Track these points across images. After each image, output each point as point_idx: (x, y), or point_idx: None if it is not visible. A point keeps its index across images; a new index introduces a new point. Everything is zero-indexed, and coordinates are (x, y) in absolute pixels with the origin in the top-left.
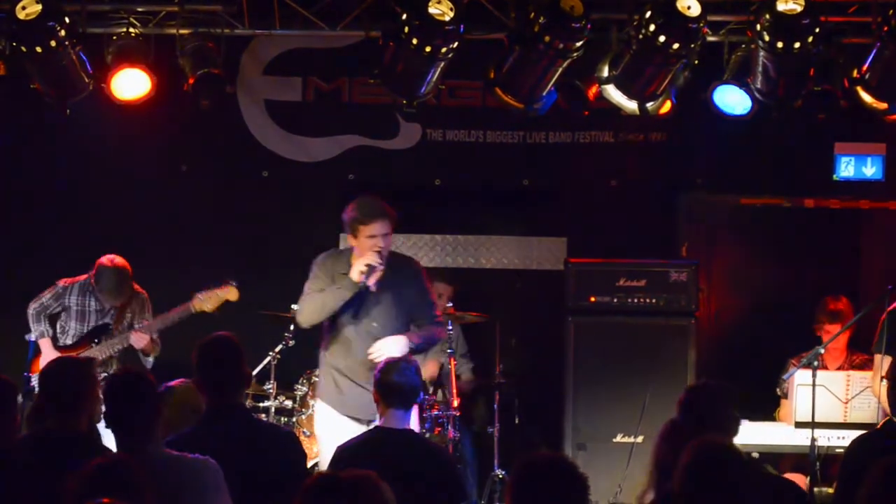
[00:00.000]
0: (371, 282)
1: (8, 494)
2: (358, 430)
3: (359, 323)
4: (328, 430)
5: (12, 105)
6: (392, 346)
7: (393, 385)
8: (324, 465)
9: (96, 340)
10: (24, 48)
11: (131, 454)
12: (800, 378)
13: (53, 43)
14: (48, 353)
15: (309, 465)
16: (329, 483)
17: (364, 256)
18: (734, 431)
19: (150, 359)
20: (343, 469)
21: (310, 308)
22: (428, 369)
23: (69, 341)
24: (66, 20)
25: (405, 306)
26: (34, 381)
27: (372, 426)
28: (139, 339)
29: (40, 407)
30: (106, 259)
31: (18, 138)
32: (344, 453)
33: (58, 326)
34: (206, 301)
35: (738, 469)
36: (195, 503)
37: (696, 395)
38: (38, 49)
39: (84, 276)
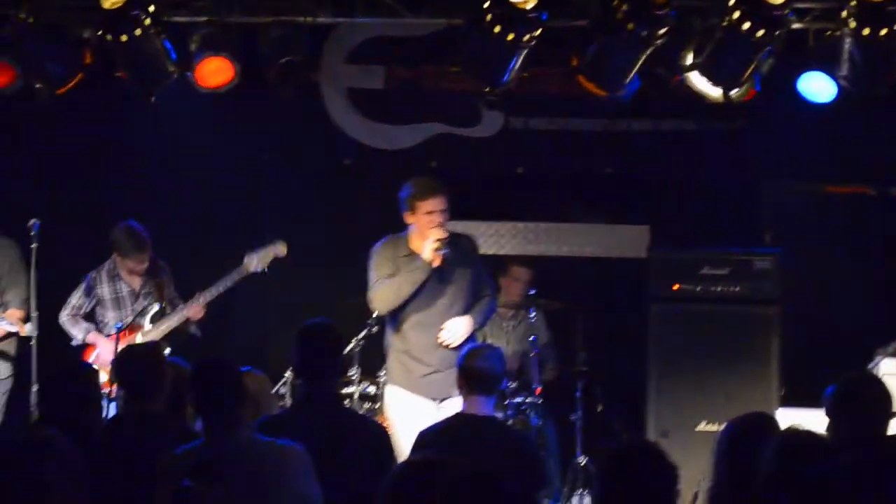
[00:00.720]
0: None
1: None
2: (431, 410)
3: (428, 302)
4: (401, 412)
5: (98, 93)
6: (461, 327)
7: (475, 371)
8: (398, 449)
9: (150, 323)
10: (109, 37)
11: (219, 439)
12: (886, 367)
13: (138, 31)
14: (103, 344)
15: None
16: (423, 466)
17: (430, 233)
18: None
19: (197, 329)
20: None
21: (385, 295)
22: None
23: (112, 332)
24: (151, 8)
25: (470, 282)
26: None
27: (443, 407)
28: (197, 312)
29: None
30: (115, 228)
31: (103, 127)
32: (426, 438)
33: (97, 324)
34: (257, 261)
35: (828, 458)
36: (284, 488)
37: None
38: (124, 38)
39: (107, 263)
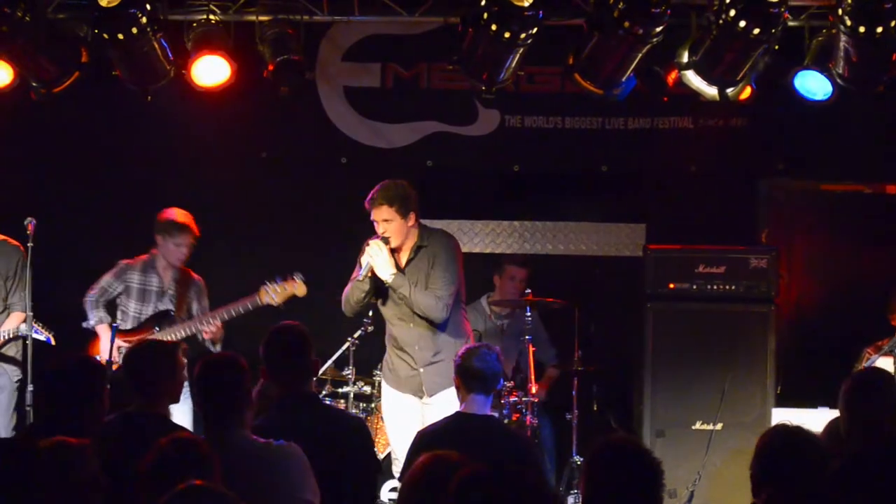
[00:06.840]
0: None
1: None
2: (414, 405)
3: (392, 303)
4: (387, 407)
5: (94, 92)
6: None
7: (473, 370)
8: (394, 447)
9: (157, 327)
10: (106, 35)
11: (219, 438)
12: (881, 365)
13: (135, 30)
14: (105, 339)
15: (386, 451)
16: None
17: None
18: None
19: (217, 347)
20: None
21: (343, 300)
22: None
23: (129, 325)
24: (148, 7)
25: (424, 282)
26: None
27: (427, 403)
28: (208, 329)
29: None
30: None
31: (99, 125)
32: (425, 438)
33: (118, 313)
34: (273, 294)
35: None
36: (285, 488)
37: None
38: (120, 36)
39: (146, 256)
